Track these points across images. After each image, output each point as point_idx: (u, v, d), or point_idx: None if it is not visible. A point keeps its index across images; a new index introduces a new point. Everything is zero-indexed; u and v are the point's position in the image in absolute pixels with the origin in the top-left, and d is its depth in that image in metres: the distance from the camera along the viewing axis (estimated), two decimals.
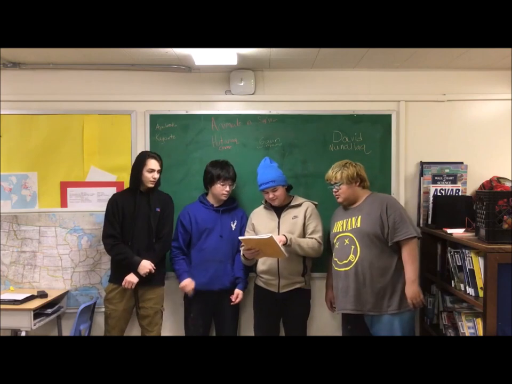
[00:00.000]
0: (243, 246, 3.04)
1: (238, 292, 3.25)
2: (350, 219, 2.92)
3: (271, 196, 3.14)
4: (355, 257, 2.83)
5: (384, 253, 2.82)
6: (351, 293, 2.83)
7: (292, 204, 3.21)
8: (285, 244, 2.96)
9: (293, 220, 3.15)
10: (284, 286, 3.12)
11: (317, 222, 3.17)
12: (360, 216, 2.88)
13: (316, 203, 3.27)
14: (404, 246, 2.81)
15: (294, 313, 3.19)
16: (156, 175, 3.23)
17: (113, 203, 3.23)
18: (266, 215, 3.23)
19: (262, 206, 3.30)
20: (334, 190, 2.96)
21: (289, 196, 3.27)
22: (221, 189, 3.25)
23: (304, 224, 3.15)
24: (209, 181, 3.29)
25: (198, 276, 3.24)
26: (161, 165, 3.27)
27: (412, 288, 2.76)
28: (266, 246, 2.94)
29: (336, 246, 2.95)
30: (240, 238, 3.03)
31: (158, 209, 3.27)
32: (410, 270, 2.78)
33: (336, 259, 2.94)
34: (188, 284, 3.23)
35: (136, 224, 3.21)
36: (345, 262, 2.87)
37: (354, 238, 2.85)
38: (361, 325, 2.87)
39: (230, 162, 3.45)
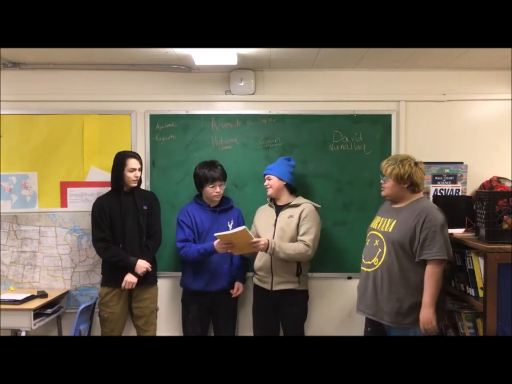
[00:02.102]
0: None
1: (238, 285, 3.27)
2: (387, 220, 2.75)
3: (266, 183, 3.20)
4: (378, 262, 2.68)
5: (410, 265, 2.61)
6: (367, 295, 2.73)
7: (292, 203, 3.21)
8: (266, 250, 2.98)
9: (288, 219, 3.15)
10: (276, 284, 3.12)
11: (310, 224, 3.11)
12: (395, 221, 2.69)
13: (319, 206, 3.25)
14: (428, 265, 2.56)
15: (289, 314, 3.18)
16: (138, 174, 3.24)
17: (99, 206, 3.22)
18: (267, 212, 3.26)
19: (267, 204, 3.32)
20: (382, 181, 2.78)
21: (292, 196, 3.27)
22: (212, 191, 3.24)
23: (298, 224, 3.13)
24: (198, 184, 3.29)
25: (196, 277, 3.23)
26: (141, 163, 3.28)
27: (424, 313, 2.54)
28: (240, 240, 2.96)
29: (367, 243, 2.82)
30: (215, 234, 3.02)
31: (145, 207, 3.27)
32: (428, 294, 2.54)
33: (363, 256, 2.83)
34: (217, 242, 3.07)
35: (126, 224, 3.21)
36: (368, 263, 2.74)
37: (384, 242, 2.68)
38: (381, 330, 2.75)
39: (231, 162, 3.48)
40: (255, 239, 2.98)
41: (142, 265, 3.17)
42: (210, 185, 3.22)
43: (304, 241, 3.05)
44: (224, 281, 3.25)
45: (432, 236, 2.55)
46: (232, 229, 3.27)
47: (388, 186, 2.74)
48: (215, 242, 3.07)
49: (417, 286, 2.59)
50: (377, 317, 2.69)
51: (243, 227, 2.91)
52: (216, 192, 3.24)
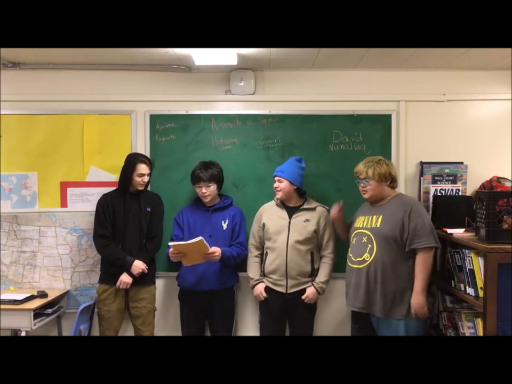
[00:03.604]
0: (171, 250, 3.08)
1: (217, 249, 3.12)
2: (371, 217, 2.86)
3: (275, 184, 3.18)
4: (370, 257, 2.78)
5: (400, 257, 2.75)
6: (361, 291, 2.80)
7: (305, 206, 3.20)
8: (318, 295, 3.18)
9: (304, 223, 3.15)
10: (291, 287, 3.13)
11: (330, 229, 3.21)
12: (381, 216, 2.81)
13: (328, 208, 3.26)
14: (419, 253, 2.72)
15: (300, 314, 3.18)
16: (146, 179, 3.25)
17: (103, 203, 3.24)
18: (277, 212, 3.23)
19: (274, 202, 3.29)
20: (362, 185, 2.88)
21: (301, 199, 3.25)
22: (198, 191, 3.25)
23: (316, 231, 3.15)
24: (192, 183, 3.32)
25: (187, 276, 3.23)
26: (151, 168, 3.29)
27: (417, 299, 2.70)
28: (195, 250, 3.01)
29: (353, 242, 2.91)
30: (170, 243, 3.04)
31: (148, 209, 3.28)
32: (420, 280, 2.71)
33: (351, 255, 2.91)
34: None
35: (127, 224, 3.22)
36: (359, 259, 2.83)
37: (372, 237, 2.79)
38: (369, 325, 2.86)
39: (231, 162, 3.49)
40: (211, 250, 3.05)
41: (138, 266, 3.17)
42: (197, 185, 3.24)
43: (330, 252, 3.21)
44: (216, 282, 3.21)
45: (421, 225, 2.72)
46: (226, 228, 3.27)
47: (371, 188, 2.85)
48: (170, 251, 3.10)
49: (407, 276, 2.74)
50: (370, 310, 2.80)
51: (199, 238, 2.93)
52: (202, 193, 3.23)
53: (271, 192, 3.28)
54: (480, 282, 2.60)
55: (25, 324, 3.11)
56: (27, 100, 3.58)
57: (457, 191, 3.36)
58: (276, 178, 3.18)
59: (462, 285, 2.78)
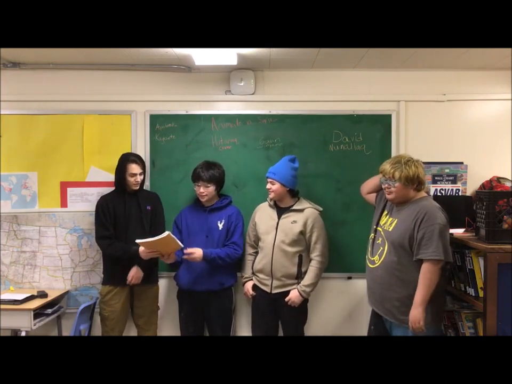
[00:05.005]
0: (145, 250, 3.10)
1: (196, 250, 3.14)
2: (390, 218, 2.73)
3: (268, 186, 3.17)
4: (379, 260, 2.68)
5: (408, 265, 2.58)
6: (371, 290, 2.78)
7: (295, 207, 3.19)
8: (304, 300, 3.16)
9: (291, 225, 3.14)
10: (276, 287, 3.14)
11: (318, 232, 3.15)
12: (396, 220, 2.67)
13: (321, 209, 3.25)
14: (424, 264, 2.52)
15: (289, 317, 3.19)
16: (139, 178, 3.23)
17: (103, 205, 3.24)
18: (269, 212, 3.24)
19: (267, 203, 3.30)
20: (387, 185, 2.68)
21: (293, 199, 3.24)
22: (196, 190, 3.26)
23: (303, 232, 3.12)
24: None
25: (184, 275, 3.24)
26: (143, 167, 3.27)
27: (414, 312, 2.51)
28: (165, 245, 3.01)
29: (372, 237, 2.81)
30: (137, 241, 3.00)
31: (148, 208, 3.29)
32: (420, 293, 2.51)
33: (368, 249, 2.83)
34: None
35: (129, 225, 3.22)
36: (372, 259, 2.76)
37: (385, 241, 2.68)
38: (382, 327, 2.77)
39: (231, 162, 3.49)
40: (189, 250, 3.07)
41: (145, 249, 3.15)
42: (196, 184, 3.24)
43: (317, 255, 3.14)
44: (212, 282, 3.21)
45: (429, 235, 2.51)
46: (221, 228, 3.26)
47: (396, 190, 2.64)
48: (140, 249, 3.10)
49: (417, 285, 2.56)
50: (382, 312, 2.72)
51: (166, 233, 2.92)
52: (200, 192, 3.24)
53: None
54: (480, 282, 2.59)
55: (25, 324, 3.11)
56: (27, 100, 3.58)
57: (457, 191, 3.37)
58: (268, 180, 3.16)
59: (462, 285, 2.78)
